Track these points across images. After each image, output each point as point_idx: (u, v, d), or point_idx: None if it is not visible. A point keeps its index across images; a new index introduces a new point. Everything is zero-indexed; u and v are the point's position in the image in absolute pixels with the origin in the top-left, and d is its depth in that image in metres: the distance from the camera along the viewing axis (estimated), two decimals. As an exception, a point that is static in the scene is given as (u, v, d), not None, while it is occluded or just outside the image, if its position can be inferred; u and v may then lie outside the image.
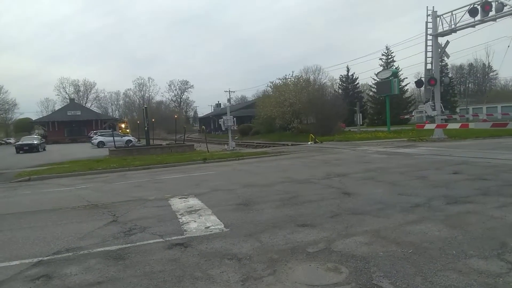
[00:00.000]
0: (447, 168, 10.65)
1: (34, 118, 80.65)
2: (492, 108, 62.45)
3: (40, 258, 4.73)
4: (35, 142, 36.31)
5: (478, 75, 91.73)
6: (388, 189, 8.02)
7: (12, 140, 65.30)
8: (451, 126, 19.92)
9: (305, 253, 4.42)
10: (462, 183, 8.34)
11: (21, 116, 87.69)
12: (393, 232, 5.01)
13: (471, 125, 15.95)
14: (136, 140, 42.54)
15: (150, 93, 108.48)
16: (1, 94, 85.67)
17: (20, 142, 37.27)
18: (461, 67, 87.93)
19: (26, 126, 77.85)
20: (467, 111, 59.44)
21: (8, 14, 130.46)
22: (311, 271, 3.91)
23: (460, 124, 17.80)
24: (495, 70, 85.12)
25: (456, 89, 77.45)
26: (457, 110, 62.02)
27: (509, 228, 4.93)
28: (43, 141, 41.34)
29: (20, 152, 34.07)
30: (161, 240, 5.23)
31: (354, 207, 6.53)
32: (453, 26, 22.00)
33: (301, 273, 3.86)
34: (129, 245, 5.09)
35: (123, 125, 69.08)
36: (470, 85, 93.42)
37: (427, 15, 23.49)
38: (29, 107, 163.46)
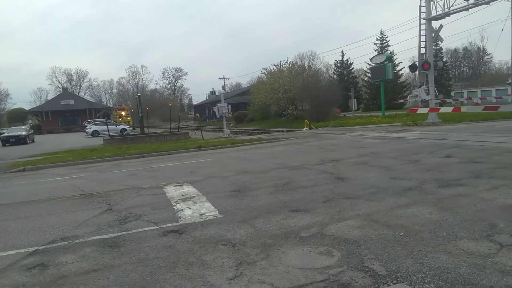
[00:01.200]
0: (440, 152, 10.73)
1: (27, 108, 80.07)
2: (487, 91, 62.60)
3: (36, 248, 4.76)
4: (23, 134, 32.54)
5: (473, 58, 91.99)
6: (381, 174, 8.08)
7: (5, 131, 64.76)
8: (444, 110, 19.98)
9: (298, 237, 4.47)
10: (454, 166, 8.42)
11: (14, 106, 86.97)
12: (385, 215, 5.08)
13: (464, 109, 15.99)
14: (131, 128, 42.39)
15: (143, 81, 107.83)
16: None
17: (5, 134, 33.30)
18: (455, 50, 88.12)
19: (19, 116, 77.12)
20: (462, 95, 59.62)
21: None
22: (304, 255, 3.96)
23: (452, 108, 17.86)
24: (489, 54, 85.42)
25: (451, 73, 77.56)
26: (452, 94, 62.20)
27: (499, 210, 5.00)
28: (31, 132, 37.35)
29: (7, 145, 30.58)
30: (156, 227, 5.27)
31: (347, 192, 6.59)
32: (446, 10, 21.89)
33: (293, 257, 3.92)
34: (124, 233, 5.12)
35: (123, 113, 64.15)
36: (465, 69, 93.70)
37: (421, -1, 23.34)
38: (22, 97, 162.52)
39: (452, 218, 4.78)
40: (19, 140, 31.12)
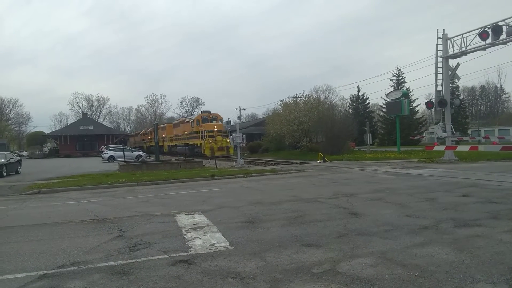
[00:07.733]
0: (457, 191, 10.52)
1: (47, 131, 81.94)
2: (505, 130, 61.77)
3: (45, 271, 4.76)
4: None
5: (490, 97, 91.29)
6: (396, 211, 7.93)
7: (24, 153, 66.13)
8: (461, 148, 19.70)
9: (309, 273, 4.38)
10: (472, 206, 8.22)
11: (34, 130, 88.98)
12: (399, 254, 4.95)
13: (481, 148, 15.77)
14: (146, 155, 42.83)
15: (162, 109, 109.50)
16: (16, 108, 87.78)
17: None
18: (472, 89, 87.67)
19: (39, 139, 78.92)
20: (479, 133, 58.93)
21: (26, 29, 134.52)
22: (315, 292, 3.86)
23: (469, 146, 17.61)
24: (507, 93, 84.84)
25: (468, 111, 76.92)
26: (469, 132, 61.45)
27: (519, 254, 4.83)
28: (13, 159, 24.07)
29: None
30: (166, 256, 5.23)
31: (361, 228, 6.47)
32: (463, 49, 22.00)
33: (304, 293, 3.82)
34: (133, 260, 5.09)
35: (215, 127, 40.95)
36: (482, 107, 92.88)
37: (438, 38, 23.57)
38: (43, 120, 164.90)
39: (469, 259, 4.64)
40: None
